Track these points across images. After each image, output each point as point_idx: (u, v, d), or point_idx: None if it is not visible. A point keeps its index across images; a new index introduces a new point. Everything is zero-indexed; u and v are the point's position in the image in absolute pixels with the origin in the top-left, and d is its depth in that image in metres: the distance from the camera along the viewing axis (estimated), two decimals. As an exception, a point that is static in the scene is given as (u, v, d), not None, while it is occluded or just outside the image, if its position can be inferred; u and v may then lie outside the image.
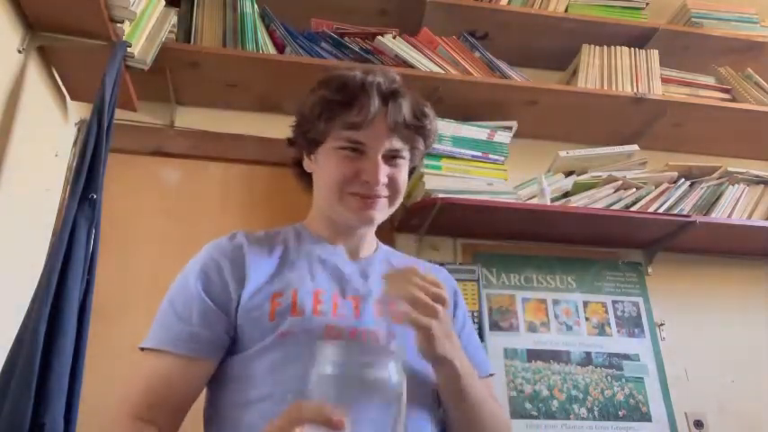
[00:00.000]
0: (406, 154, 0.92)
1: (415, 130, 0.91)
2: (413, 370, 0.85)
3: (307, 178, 0.99)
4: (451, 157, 1.77)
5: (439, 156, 1.76)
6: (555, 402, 1.74)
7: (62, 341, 1.06)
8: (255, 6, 1.85)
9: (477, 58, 1.99)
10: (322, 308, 0.84)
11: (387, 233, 1.81)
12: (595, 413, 1.74)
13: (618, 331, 1.88)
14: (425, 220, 1.78)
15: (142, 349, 0.84)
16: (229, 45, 1.80)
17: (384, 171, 0.88)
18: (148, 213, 1.77)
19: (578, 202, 1.83)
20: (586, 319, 1.87)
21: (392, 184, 0.90)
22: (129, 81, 1.53)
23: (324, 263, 0.91)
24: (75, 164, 1.44)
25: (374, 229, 0.99)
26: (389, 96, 0.89)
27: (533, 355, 1.79)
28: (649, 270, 2.00)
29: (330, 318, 0.83)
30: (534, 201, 1.82)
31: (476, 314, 1.76)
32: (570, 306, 1.88)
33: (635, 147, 1.98)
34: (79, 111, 1.66)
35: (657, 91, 2.02)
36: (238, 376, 0.81)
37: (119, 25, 1.36)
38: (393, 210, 0.94)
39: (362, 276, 0.91)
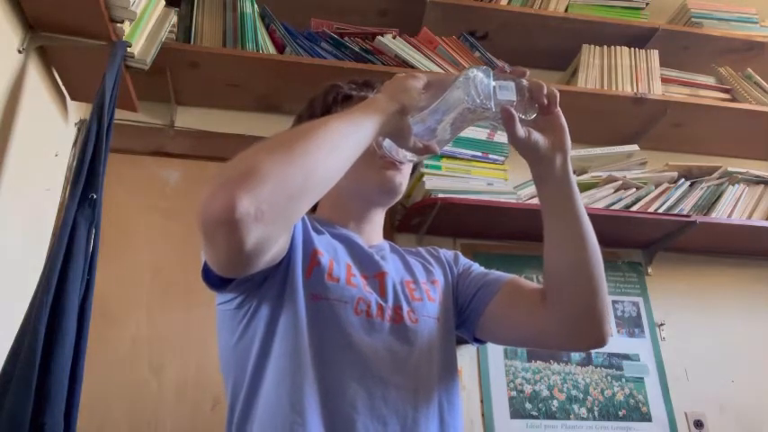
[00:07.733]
0: None
1: None
2: (436, 357, 0.86)
3: None
4: (451, 157, 1.77)
5: (439, 156, 1.75)
6: (555, 402, 1.74)
7: (62, 341, 1.06)
8: (255, 6, 1.85)
9: (477, 59, 1.99)
10: (354, 280, 0.85)
11: (387, 233, 1.80)
12: (595, 413, 1.74)
13: (618, 331, 1.88)
14: (425, 220, 1.78)
15: None
16: (229, 45, 1.80)
17: None
18: (148, 213, 1.77)
19: (578, 202, 1.82)
20: (586, 319, 1.87)
21: None
22: (129, 81, 1.53)
23: (345, 242, 0.91)
24: (75, 164, 1.44)
25: (383, 216, 1.01)
26: None
27: (533, 354, 1.79)
28: (649, 270, 2.00)
29: (362, 290, 0.84)
30: (534, 201, 1.82)
31: (476, 314, 1.76)
32: (570, 306, 1.88)
33: (635, 147, 1.98)
34: (79, 111, 1.66)
35: (657, 91, 2.02)
36: (267, 324, 0.80)
37: (119, 25, 1.36)
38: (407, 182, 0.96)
39: (381, 258, 0.92)
